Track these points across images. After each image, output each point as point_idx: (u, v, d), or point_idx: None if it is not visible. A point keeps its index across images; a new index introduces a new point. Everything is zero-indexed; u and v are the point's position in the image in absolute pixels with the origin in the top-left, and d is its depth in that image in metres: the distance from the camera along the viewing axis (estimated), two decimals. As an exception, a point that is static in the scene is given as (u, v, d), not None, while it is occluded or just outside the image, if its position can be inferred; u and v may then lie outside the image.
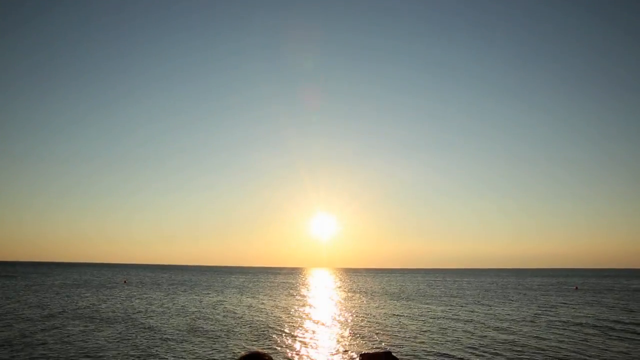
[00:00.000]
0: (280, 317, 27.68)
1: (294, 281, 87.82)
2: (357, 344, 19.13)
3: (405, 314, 29.82)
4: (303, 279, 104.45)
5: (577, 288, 65.32)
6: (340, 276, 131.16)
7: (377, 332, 22.24)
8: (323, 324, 25.33)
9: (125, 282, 69.45)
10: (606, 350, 17.49)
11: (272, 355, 2.52)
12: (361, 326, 24.24)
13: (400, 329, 22.99)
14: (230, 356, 16.13)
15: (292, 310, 32.34)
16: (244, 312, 30.32)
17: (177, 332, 21.17)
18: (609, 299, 43.66)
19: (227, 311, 30.45)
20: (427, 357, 16.09)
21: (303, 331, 22.43)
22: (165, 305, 33.52)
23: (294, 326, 23.96)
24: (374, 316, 28.88)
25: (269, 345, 18.56)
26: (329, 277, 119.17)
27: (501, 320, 26.70)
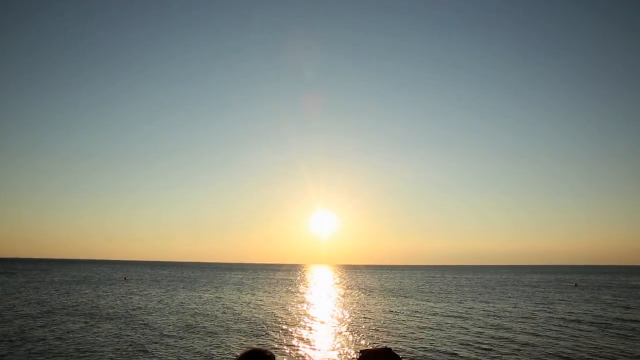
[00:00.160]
0: (279, 314, 27.73)
1: (293, 278, 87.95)
2: (356, 340, 19.18)
3: (404, 311, 29.88)
4: (303, 275, 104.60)
5: (576, 285, 65.45)
6: (340, 273, 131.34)
7: (376, 328, 22.29)
8: (322, 321, 25.37)
9: (125, 278, 69.56)
10: (603, 347, 17.53)
11: (272, 352, 2.53)
12: (360, 323, 24.29)
13: (399, 326, 23.05)
14: (228, 352, 16.17)
15: (291, 307, 32.41)
16: (242, 308, 30.38)
17: (175, 328, 21.22)
18: (607, 296, 43.75)
19: (226, 308, 30.50)
20: (426, 354, 16.14)
21: (302, 328, 22.47)
22: (164, 302, 33.58)
23: (292, 323, 24.01)
24: (372, 312, 28.94)
25: (268, 342, 18.60)
26: (328, 274, 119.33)
27: (499, 317, 26.76)
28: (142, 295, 39.26)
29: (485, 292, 48.65)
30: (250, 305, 32.89)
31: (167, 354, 15.78)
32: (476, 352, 16.39)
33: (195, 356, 15.52)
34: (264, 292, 47.14)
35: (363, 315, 27.51)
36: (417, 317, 26.75)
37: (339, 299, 40.96)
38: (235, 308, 30.48)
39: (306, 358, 15.73)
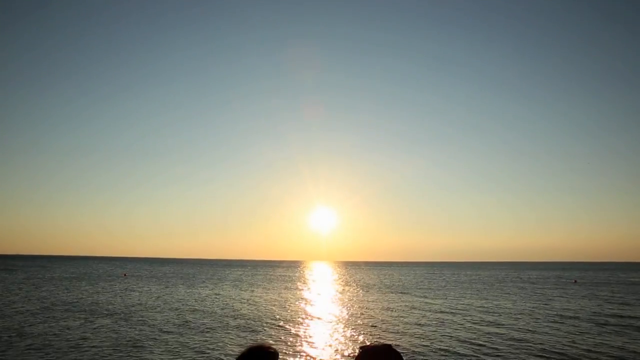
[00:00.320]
0: (277, 311, 27.75)
1: (293, 274, 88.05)
2: (355, 336, 19.19)
3: (403, 307, 29.91)
4: (302, 272, 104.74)
5: (575, 281, 65.55)
6: (340, 269, 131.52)
7: (375, 324, 22.31)
8: (321, 317, 25.38)
9: (125, 275, 69.61)
10: (600, 343, 17.55)
11: (275, 348, 2.49)
12: (359, 319, 24.31)
13: (399, 322, 23.07)
14: (224, 349, 16.18)
15: (290, 303, 32.43)
16: (240, 305, 30.40)
17: (173, 325, 21.22)
18: (606, 292, 43.82)
19: (224, 304, 30.52)
20: (425, 351, 16.15)
21: (301, 324, 22.47)
22: (163, 298, 33.60)
23: (291, 319, 24.02)
24: (372, 309, 28.97)
25: (266, 339, 18.60)
26: (328, 271, 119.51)
27: (497, 313, 26.78)
28: (141, 292, 39.28)
29: (483, 289, 48.73)
30: (248, 301, 32.91)
31: (164, 350, 15.78)
32: (474, 349, 16.40)
33: (191, 352, 15.52)
34: (262, 288, 47.18)
35: (362, 312, 27.53)
36: (416, 313, 26.77)
37: (338, 295, 41.00)
38: (233, 305, 30.50)
39: (305, 354, 15.72)
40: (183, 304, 29.93)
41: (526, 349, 16.32)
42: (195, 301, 32.12)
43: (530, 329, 20.93)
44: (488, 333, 19.68)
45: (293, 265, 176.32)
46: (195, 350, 15.91)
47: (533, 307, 29.99)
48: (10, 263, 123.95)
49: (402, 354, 2.23)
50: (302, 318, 24.73)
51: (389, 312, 27.64)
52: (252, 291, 42.81)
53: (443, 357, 15.15)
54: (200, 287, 47.24)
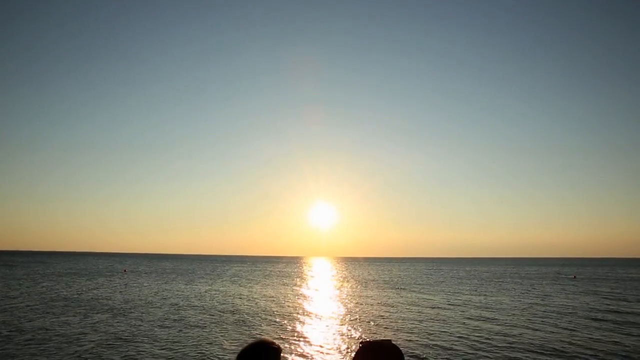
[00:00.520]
0: (277, 307, 27.79)
1: (292, 270, 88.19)
2: (353, 332, 19.22)
3: (403, 303, 29.97)
4: (302, 268, 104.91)
5: (575, 277, 65.69)
6: (339, 265, 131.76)
7: (376, 320, 22.35)
8: (320, 312, 25.40)
9: (125, 271, 69.68)
10: (598, 339, 17.59)
11: (279, 344, 2.46)
12: (358, 315, 24.35)
13: (397, 318, 23.11)
14: (224, 344, 16.20)
15: (289, 299, 32.48)
16: (240, 301, 30.45)
17: (171, 320, 21.25)
18: (605, 288, 43.90)
19: (224, 300, 30.57)
20: (425, 346, 16.17)
21: (300, 320, 22.50)
22: (161, 294, 33.64)
23: (290, 315, 24.05)
24: (371, 305, 29.02)
25: (264, 335, 18.63)
26: (327, 267, 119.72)
27: (495, 309, 26.83)
28: (140, 287, 39.33)
29: (482, 285, 48.82)
30: (247, 297, 32.96)
31: (161, 345, 15.81)
32: (471, 344, 16.43)
33: (189, 348, 15.55)
34: (261, 284, 47.26)
35: (361, 308, 27.58)
36: (415, 309, 26.82)
37: (336, 291, 41.07)
38: (231, 300, 30.55)
39: (304, 350, 15.75)
40: (182, 300, 29.97)
41: (523, 345, 16.35)
42: (194, 297, 32.16)
43: (527, 325, 20.97)
44: (486, 329, 19.72)
45: (293, 261, 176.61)
46: (193, 345, 15.93)
47: (531, 303, 30.05)
48: (9, 259, 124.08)
49: (401, 349, 2.20)
50: (301, 314, 24.76)
51: (388, 307, 27.68)
52: (251, 287, 42.88)
53: (441, 352, 15.19)
54: (199, 282, 47.31)
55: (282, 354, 2.45)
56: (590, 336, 18.11)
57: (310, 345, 16.65)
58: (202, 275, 62.52)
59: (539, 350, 15.47)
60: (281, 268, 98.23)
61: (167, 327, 19.47)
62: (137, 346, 15.56)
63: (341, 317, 23.83)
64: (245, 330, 19.29)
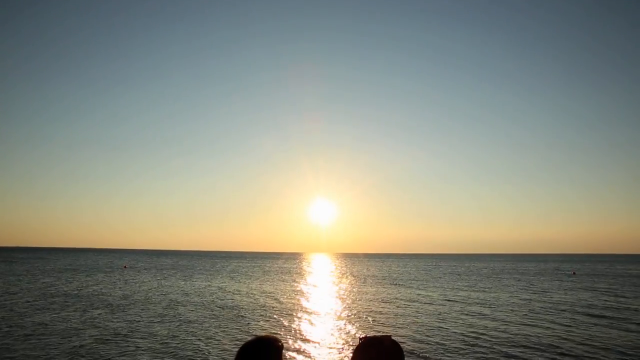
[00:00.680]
0: (276, 303, 27.83)
1: (292, 266, 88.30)
2: (353, 327, 19.25)
3: (402, 299, 30.01)
4: (301, 264, 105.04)
5: (574, 273, 65.81)
6: (339, 261, 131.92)
7: (375, 316, 22.39)
8: (319, 308, 25.43)
9: (125, 267, 69.76)
10: (595, 335, 17.63)
11: (282, 341, 2.41)
12: (357, 310, 24.39)
13: (397, 314, 23.15)
14: (222, 340, 16.22)
15: (289, 295, 32.52)
16: (239, 297, 30.49)
17: (170, 316, 21.28)
18: (604, 284, 44.00)
19: (223, 296, 30.61)
20: (424, 342, 16.21)
21: (299, 316, 22.53)
22: (160, 290, 33.69)
23: (289, 311, 24.08)
24: (371, 301, 29.06)
25: (264, 330, 18.65)
26: (327, 263, 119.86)
27: (495, 305, 26.88)
28: (139, 283, 39.38)
29: (481, 281, 48.90)
30: (246, 293, 33.00)
31: (159, 340, 15.83)
32: (469, 341, 16.47)
33: (187, 344, 15.57)
34: (260, 280, 47.31)
35: (359, 303, 27.62)
36: (414, 305, 26.86)
37: (335, 287, 41.13)
38: (230, 296, 30.59)
39: (303, 346, 15.77)
40: (181, 295, 30.00)
41: (521, 341, 16.39)
42: (194, 293, 32.20)
43: (525, 321, 21.02)
44: (484, 325, 19.76)
45: (292, 257, 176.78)
46: (192, 340, 15.95)
47: (530, 299, 30.11)
48: (9, 255, 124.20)
49: (401, 345, 2.20)
50: (300, 310, 24.79)
51: (387, 303, 27.73)
52: (250, 283, 42.92)
53: (439, 348, 15.22)
54: (199, 278, 47.36)
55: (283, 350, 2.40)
56: (588, 332, 18.15)
57: (310, 341, 16.66)
58: (202, 271, 62.59)
59: (536, 346, 15.50)
60: (281, 264, 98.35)
61: (166, 322, 19.50)
62: (136, 341, 15.58)
63: (340, 313, 23.86)
64: (244, 326, 19.32)
